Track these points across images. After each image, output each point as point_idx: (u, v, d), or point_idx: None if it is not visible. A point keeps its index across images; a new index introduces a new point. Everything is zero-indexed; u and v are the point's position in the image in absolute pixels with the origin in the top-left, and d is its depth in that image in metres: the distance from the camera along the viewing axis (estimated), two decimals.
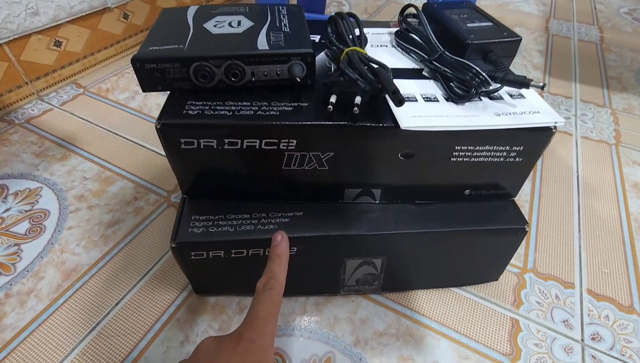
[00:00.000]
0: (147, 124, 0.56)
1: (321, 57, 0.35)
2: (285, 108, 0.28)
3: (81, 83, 0.64)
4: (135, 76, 0.28)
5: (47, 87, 0.61)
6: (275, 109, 0.28)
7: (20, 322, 0.34)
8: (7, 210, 0.43)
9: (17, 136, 0.53)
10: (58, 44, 0.60)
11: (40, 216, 0.43)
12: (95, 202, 0.45)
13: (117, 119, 0.57)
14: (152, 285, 0.37)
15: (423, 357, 0.33)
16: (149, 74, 0.28)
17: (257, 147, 0.28)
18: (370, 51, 0.36)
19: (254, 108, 0.28)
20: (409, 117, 0.27)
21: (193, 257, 0.31)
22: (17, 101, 0.58)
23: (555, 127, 0.28)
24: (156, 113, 0.58)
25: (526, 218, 0.33)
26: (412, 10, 0.37)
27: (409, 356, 0.33)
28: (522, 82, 0.27)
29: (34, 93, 0.60)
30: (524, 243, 0.40)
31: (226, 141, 0.28)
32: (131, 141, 0.53)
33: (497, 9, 0.96)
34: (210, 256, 0.31)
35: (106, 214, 0.43)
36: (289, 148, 0.29)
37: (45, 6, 0.56)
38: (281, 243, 0.28)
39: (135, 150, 0.52)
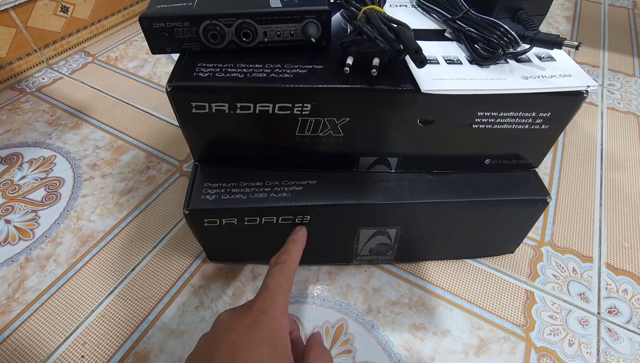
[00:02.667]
0: (157, 93, 0.56)
1: (337, 18, 0.33)
2: (300, 71, 0.27)
3: (90, 51, 0.63)
4: (143, 44, 0.27)
5: (56, 55, 0.60)
6: (289, 71, 0.27)
7: (41, 285, 0.35)
8: (23, 178, 0.43)
9: (29, 105, 0.53)
10: (65, 9, 0.59)
11: (55, 183, 0.43)
12: (109, 171, 0.45)
13: (127, 88, 0.56)
14: (167, 251, 0.37)
15: (435, 326, 0.33)
16: (158, 34, 0.27)
17: (270, 112, 0.27)
18: (389, 10, 0.34)
19: (266, 70, 0.27)
20: (430, 80, 0.26)
21: (206, 224, 0.31)
22: (27, 69, 0.57)
23: (587, 91, 0.26)
24: (165, 82, 0.57)
25: None
26: None
27: (421, 325, 0.33)
28: (555, 42, 0.25)
29: (43, 61, 0.59)
30: (542, 215, 0.39)
31: (238, 105, 0.27)
32: (142, 110, 0.53)
33: None
34: (224, 223, 0.31)
35: (119, 183, 0.43)
36: (303, 112, 0.28)
37: None
38: (300, 231, 0.30)
39: (146, 119, 0.51)
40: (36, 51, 0.58)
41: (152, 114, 0.52)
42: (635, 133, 0.51)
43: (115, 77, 0.58)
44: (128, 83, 0.57)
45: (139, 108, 0.53)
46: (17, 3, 0.53)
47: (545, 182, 0.44)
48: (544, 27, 0.71)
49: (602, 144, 0.49)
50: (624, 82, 0.59)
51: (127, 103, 0.54)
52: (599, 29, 0.71)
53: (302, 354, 0.23)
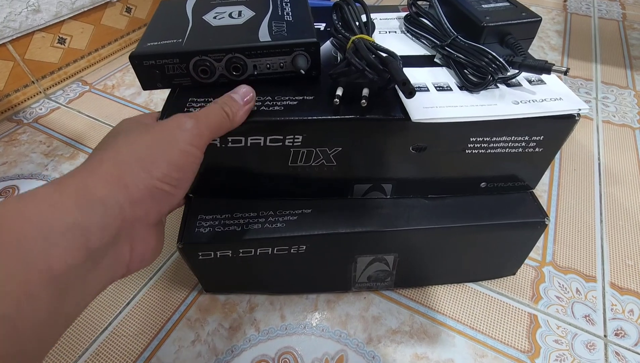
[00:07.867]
0: None
1: (327, 46, 0.33)
2: (290, 103, 0.27)
3: (87, 80, 0.64)
4: None
5: (53, 86, 0.61)
6: (279, 103, 0.27)
7: None
8: None
9: (26, 136, 0.53)
10: (62, 41, 0.60)
11: None
12: None
13: (124, 117, 0.56)
14: (162, 283, 0.37)
15: (438, 355, 0.32)
16: (148, 71, 0.27)
17: (262, 144, 0.27)
18: (379, 37, 0.34)
19: (257, 103, 0.27)
20: (420, 108, 0.26)
21: (201, 257, 0.30)
22: (25, 101, 0.58)
23: (578, 114, 0.26)
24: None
25: (544, 208, 0.31)
26: None
27: (423, 354, 0.32)
28: (543, 68, 0.25)
29: (40, 92, 0.60)
30: (542, 235, 0.38)
31: (229, 138, 0.27)
32: None
33: None
34: (218, 256, 0.30)
35: None
36: (295, 144, 0.27)
37: (47, 2, 0.56)
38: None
39: None
40: (34, 83, 0.58)
41: None
42: (632, 146, 0.51)
43: (112, 106, 0.59)
44: (125, 111, 0.58)
45: None
46: (14, 37, 0.53)
47: (544, 199, 0.44)
48: (535, 42, 0.72)
49: (599, 159, 0.49)
50: (617, 94, 0.59)
51: None
52: (590, 42, 0.72)
53: None
